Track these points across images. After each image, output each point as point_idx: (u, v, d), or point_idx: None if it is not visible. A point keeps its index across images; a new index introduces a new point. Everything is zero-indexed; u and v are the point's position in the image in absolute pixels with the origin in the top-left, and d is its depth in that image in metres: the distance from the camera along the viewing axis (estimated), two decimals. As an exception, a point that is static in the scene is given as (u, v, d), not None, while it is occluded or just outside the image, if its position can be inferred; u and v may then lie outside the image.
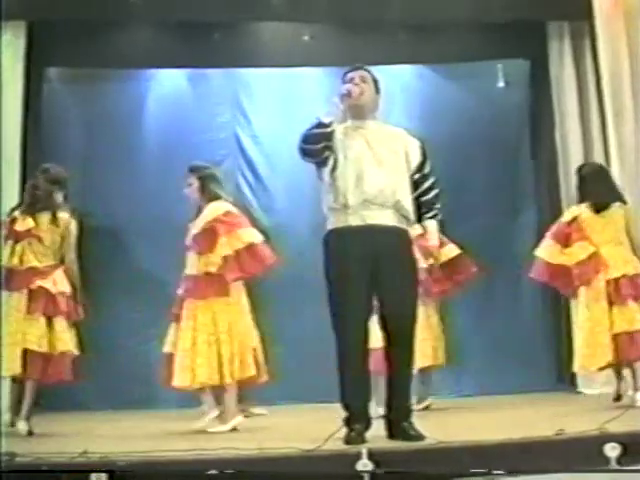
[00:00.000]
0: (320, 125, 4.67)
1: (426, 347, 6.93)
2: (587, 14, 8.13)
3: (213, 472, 3.91)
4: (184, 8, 8.07)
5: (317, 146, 4.69)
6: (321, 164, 4.79)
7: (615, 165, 7.96)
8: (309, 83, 9.25)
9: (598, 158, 8.44)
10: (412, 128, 9.33)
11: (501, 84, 9.08)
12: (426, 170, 4.92)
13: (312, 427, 5.58)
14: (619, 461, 3.91)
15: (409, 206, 4.81)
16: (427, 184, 4.89)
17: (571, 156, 8.57)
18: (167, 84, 9.21)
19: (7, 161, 7.71)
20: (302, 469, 3.95)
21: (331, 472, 3.94)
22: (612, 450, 3.93)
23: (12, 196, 7.78)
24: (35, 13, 7.91)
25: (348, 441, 4.51)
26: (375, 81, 4.96)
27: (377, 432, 4.75)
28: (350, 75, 4.90)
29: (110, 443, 4.99)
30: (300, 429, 5.87)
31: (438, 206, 4.94)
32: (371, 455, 3.89)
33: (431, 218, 4.90)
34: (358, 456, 3.90)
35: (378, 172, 4.73)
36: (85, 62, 8.61)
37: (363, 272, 4.67)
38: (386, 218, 4.74)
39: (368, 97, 4.87)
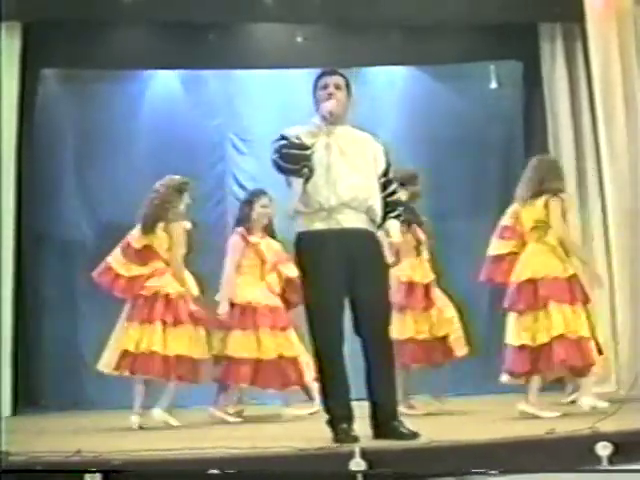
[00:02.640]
0: (302, 146, 4.68)
1: None
2: (579, 16, 8.15)
3: (207, 471, 3.92)
4: (178, 9, 8.07)
5: (296, 166, 4.70)
6: (297, 177, 4.77)
7: (606, 165, 8.00)
8: (302, 84, 9.25)
9: (590, 158, 8.49)
10: (404, 129, 9.45)
11: (493, 85, 9.09)
12: (391, 174, 4.98)
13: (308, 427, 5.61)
14: (611, 460, 3.92)
15: (378, 209, 4.87)
16: (392, 187, 4.97)
17: (563, 157, 8.60)
18: (161, 86, 9.21)
19: (2, 162, 7.73)
20: (296, 468, 3.96)
21: (324, 471, 3.96)
22: (603, 449, 3.94)
23: (7, 197, 7.82)
24: (30, 14, 7.91)
25: (338, 441, 4.51)
26: (348, 85, 4.95)
27: (368, 430, 4.76)
28: (324, 81, 4.88)
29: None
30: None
31: (401, 208, 5.05)
32: (364, 454, 3.90)
33: (395, 218, 4.95)
34: (351, 455, 3.91)
35: (352, 176, 4.75)
36: (80, 63, 8.60)
37: (339, 273, 4.70)
38: (359, 221, 4.79)
39: (342, 105, 4.86)
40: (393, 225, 4.94)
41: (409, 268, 6.75)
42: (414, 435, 4.56)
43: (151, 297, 6.40)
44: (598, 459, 3.94)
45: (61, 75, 8.95)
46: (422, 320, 6.69)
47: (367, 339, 4.77)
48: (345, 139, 4.84)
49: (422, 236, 6.85)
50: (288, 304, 6.87)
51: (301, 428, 5.90)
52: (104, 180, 8.62)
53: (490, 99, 9.14)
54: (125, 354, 6.30)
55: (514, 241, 6.24)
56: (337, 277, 4.69)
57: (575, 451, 4.03)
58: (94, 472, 3.88)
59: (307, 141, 4.69)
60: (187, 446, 4.28)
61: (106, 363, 6.39)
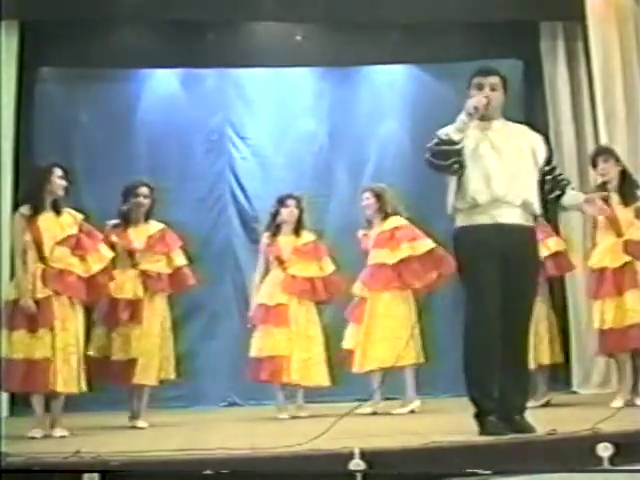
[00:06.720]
0: (450, 142, 4.66)
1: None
2: (580, 15, 8.15)
3: (206, 472, 3.90)
4: (177, 8, 8.07)
5: (447, 162, 4.68)
6: (449, 174, 4.78)
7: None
8: (301, 83, 9.24)
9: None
10: (403, 129, 9.40)
11: (494, 84, 9.07)
12: (554, 161, 5.03)
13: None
14: (612, 461, 3.91)
15: (536, 203, 4.85)
16: (557, 172, 4.97)
17: (565, 156, 8.59)
18: (160, 85, 9.20)
19: (0, 160, 7.71)
20: (295, 468, 3.95)
21: (324, 471, 3.94)
22: (605, 450, 3.93)
23: (5, 196, 7.79)
24: (28, 13, 7.90)
25: (487, 432, 4.53)
26: (504, 81, 4.95)
27: (368, 430, 4.73)
28: (479, 81, 4.89)
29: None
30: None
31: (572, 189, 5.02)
32: (363, 455, 3.89)
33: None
34: (351, 456, 3.90)
35: (505, 170, 4.75)
36: (78, 62, 8.61)
37: (494, 268, 4.69)
38: (514, 216, 4.77)
39: (496, 104, 4.87)
40: (574, 196, 4.93)
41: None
42: (532, 429, 4.53)
43: None
44: (599, 460, 3.93)
45: (59, 74, 8.94)
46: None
47: (511, 334, 4.75)
48: (500, 133, 4.84)
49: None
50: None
51: (301, 428, 5.88)
52: (103, 179, 8.58)
53: (491, 98, 9.11)
54: None
55: None
56: (492, 272, 4.68)
57: (576, 452, 4.01)
58: (93, 472, 3.86)
59: (454, 137, 4.67)
60: (186, 447, 4.26)
61: None
